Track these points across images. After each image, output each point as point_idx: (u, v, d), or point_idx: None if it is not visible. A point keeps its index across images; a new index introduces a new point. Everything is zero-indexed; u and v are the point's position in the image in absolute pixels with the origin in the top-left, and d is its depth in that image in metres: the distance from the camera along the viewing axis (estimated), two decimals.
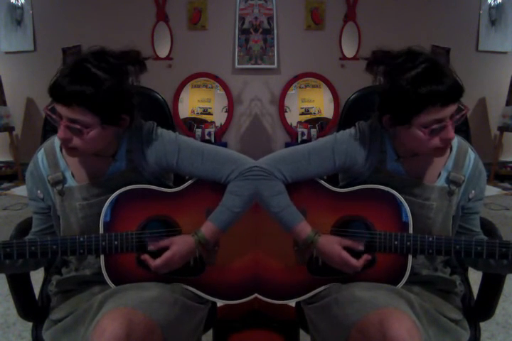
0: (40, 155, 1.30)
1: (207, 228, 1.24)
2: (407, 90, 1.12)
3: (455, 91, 1.13)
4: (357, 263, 1.20)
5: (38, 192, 1.29)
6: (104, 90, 1.12)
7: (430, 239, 1.20)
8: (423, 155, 1.25)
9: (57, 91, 1.12)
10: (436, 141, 1.17)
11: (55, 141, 1.30)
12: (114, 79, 1.14)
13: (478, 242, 1.18)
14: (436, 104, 1.12)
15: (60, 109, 1.13)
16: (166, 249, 1.21)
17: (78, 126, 1.13)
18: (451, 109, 1.14)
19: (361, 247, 1.22)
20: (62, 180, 1.26)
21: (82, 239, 1.19)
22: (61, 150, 1.28)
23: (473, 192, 1.30)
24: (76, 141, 1.16)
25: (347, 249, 1.22)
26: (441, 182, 1.28)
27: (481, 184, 1.31)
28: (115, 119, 1.18)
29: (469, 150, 1.31)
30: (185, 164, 1.28)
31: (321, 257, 1.26)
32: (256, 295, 1.31)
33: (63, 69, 1.14)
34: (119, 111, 1.18)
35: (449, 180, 1.27)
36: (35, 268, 1.32)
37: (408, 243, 1.21)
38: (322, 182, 1.31)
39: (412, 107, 1.13)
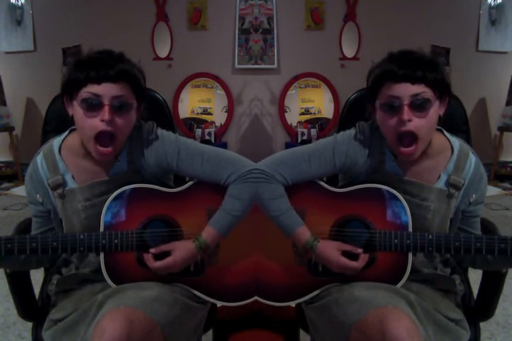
0: (40, 159, 1.29)
1: (207, 233, 1.24)
2: (374, 68, 1.21)
3: (415, 72, 1.15)
4: (356, 264, 1.20)
5: (37, 196, 1.28)
6: (136, 69, 1.22)
7: (430, 236, 1.20)
8: (399, 154, 1.24)
9: (104, 70, 1.15)
10: (392, 121, 1.18)
11: (54, 144, 1.30)
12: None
13: (477, 238, 1.18)
14: (390, 79, 1.16)
15: (106, 87, 1.16)
16: (167, 252, 1.21)
17: (126, 100, 1.18)
18: (407, 88, 1.15)
19: (360, 251, 1.22)
20: (63, 183, 1.26)
21: (82, 237, 1.20)
22: (60, 152, 1.28)
23: (473, 196, 1.29)
24: (119, 121, 1.18)
25: (346, 252, 1.22)
26: (440, 184, 1.28)
27: (481, 188, 1.31)
28: (141, 104, 1.25)
29: (470, 153, 1.30)
30: (184, 165, 1.28)
31: (320, 262, 1.26)
32: (256, 297, 1.31)
33: (80, 60, 1.19)
34: (143, 96, 1.25)
35: (449, 183, 1.27)
36: (37, 266, 1.33)
37: (408, 241, 1.21)
38: (321, 182, 1.31)
39: (373, 84, 1.21)
